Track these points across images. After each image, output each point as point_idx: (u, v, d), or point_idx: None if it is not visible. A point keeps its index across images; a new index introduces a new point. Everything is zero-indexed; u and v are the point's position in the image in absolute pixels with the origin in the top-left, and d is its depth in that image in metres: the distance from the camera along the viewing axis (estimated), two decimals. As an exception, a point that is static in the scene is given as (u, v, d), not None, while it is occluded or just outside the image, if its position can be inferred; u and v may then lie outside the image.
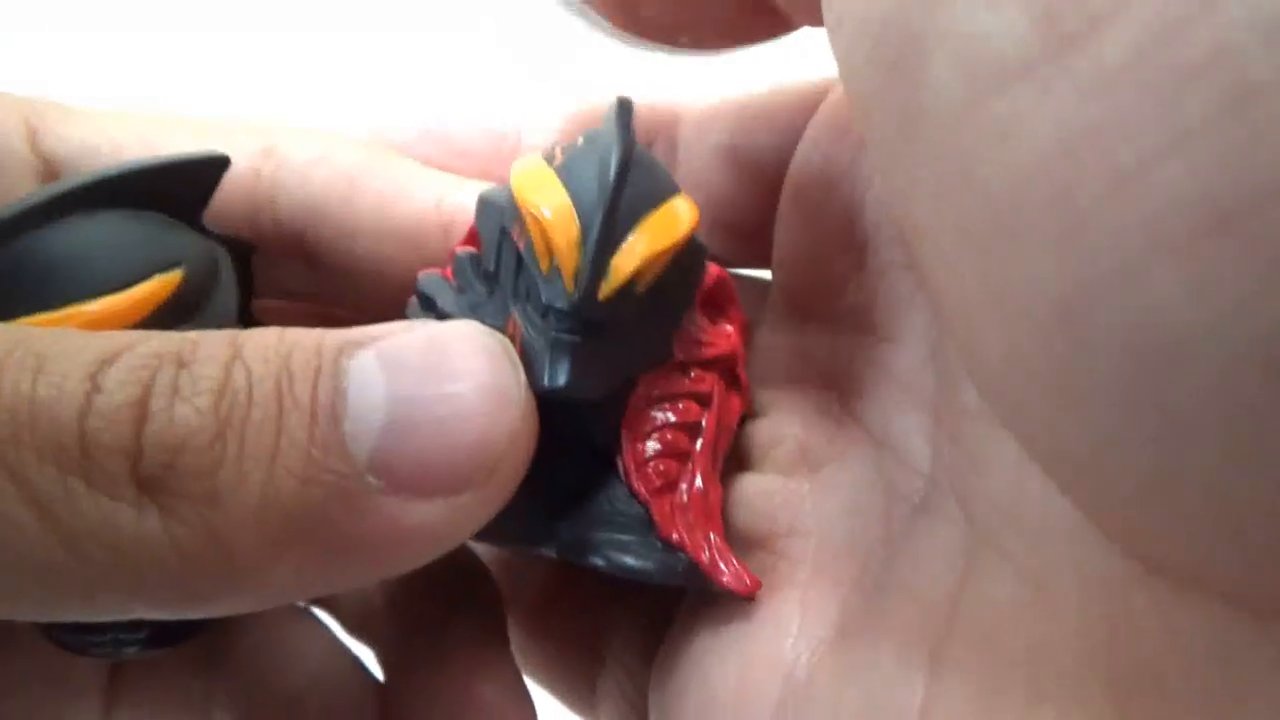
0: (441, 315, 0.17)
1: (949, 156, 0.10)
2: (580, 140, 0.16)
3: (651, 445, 0.17)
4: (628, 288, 0.15)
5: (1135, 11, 0.08)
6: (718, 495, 0.17)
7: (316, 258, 0.20)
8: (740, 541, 0.18)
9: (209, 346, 0.13)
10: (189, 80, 0.48)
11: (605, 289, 0.15)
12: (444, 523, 0.14)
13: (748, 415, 0.19)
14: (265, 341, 0.13)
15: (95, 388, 0.12)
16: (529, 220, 0.15)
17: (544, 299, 0.15)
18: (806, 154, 0.18)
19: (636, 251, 0.15)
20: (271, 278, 0.20)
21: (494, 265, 0.17)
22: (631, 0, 0.16)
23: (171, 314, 0.17)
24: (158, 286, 0.16)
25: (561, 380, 0.15)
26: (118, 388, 0.12)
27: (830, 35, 0.12)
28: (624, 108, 0.16)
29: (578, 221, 0.15)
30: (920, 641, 0.14)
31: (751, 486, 0.18)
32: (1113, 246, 0.08)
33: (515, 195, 0.16)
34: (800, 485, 0.18)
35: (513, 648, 0.20)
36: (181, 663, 0.19)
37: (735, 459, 0.19)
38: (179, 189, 0.18)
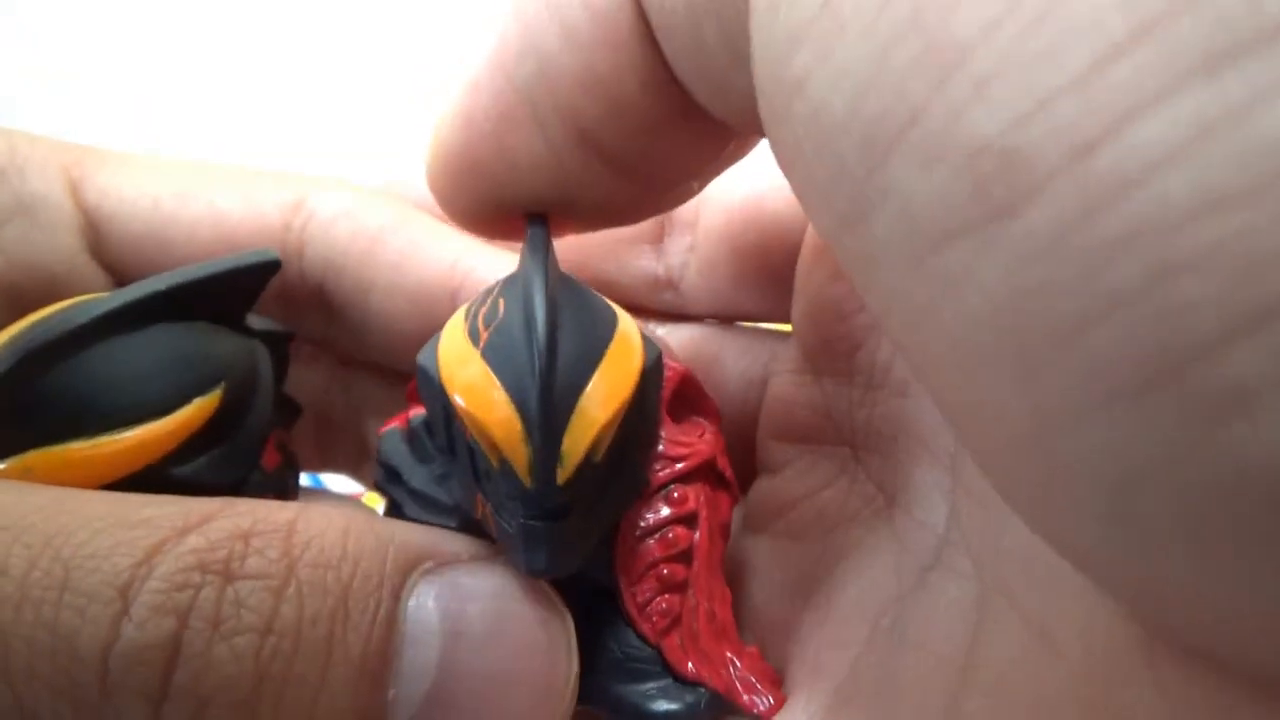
0: (411, 491, 0.17)
1: (906, 300, 0.10)
2: (500, 301, 0.15)
3: (648, 586, 0.16)
4: (586, 462, 0.14)
5: (1056, 189, 0.08)
6: (726, 604, 0.17)
7: (333, 310, 0.21)
8: (757, 619, 0.18)
9: (261, 558, 0.12)
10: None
11: (562, 475, 0.14)
12: None
13: (759, 471, 0.19)
14: (327, 556, 0.12)
15: (125, 611, 0.11)
16: (465, 420, 0.14)
17: (502, 491, 0.14)
18: None
19: (587, 423, 0.14)
20: (296, 326, 0.21)
21: (446, 441, 0.16)
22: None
23: (208, 436, 0.16)
24: (195, 412, 0.16)
25: (541, 566, 0.14)
26: (150, 616, 0.11)
27: (784, 174, 0.12)
28: (536, 247, 0.15)
29: (517, 414, 0.14)
30: (936, 694, 0.14)
31: (766, 558, 0.18)
32: (1067, 390, 0.09)
33: (445, 390, 0.14)
34: (813, 549, 0.18)
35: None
36: None
37: (751, 521, 0.19)
38: (226, 294, 0.17)
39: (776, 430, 0.19)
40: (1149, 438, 0.08)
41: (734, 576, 0.18)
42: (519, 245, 0.20)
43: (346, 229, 0.20)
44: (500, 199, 0.16)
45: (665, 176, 0.16)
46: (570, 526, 0.14)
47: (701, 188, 0.17)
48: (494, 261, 0.20)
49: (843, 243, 0.11)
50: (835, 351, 0.18)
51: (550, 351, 0.14)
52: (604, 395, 0.14)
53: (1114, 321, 0.08)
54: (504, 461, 0.14)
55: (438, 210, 0.22)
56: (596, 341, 0.15)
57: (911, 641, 0.15)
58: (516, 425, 0.14)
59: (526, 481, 0.14)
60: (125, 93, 0.51)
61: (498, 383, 0.14)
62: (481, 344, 0.14)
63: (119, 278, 0.20)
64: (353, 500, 0.25)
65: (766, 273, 0.20)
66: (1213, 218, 0.07)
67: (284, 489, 0.18)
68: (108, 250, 0.20)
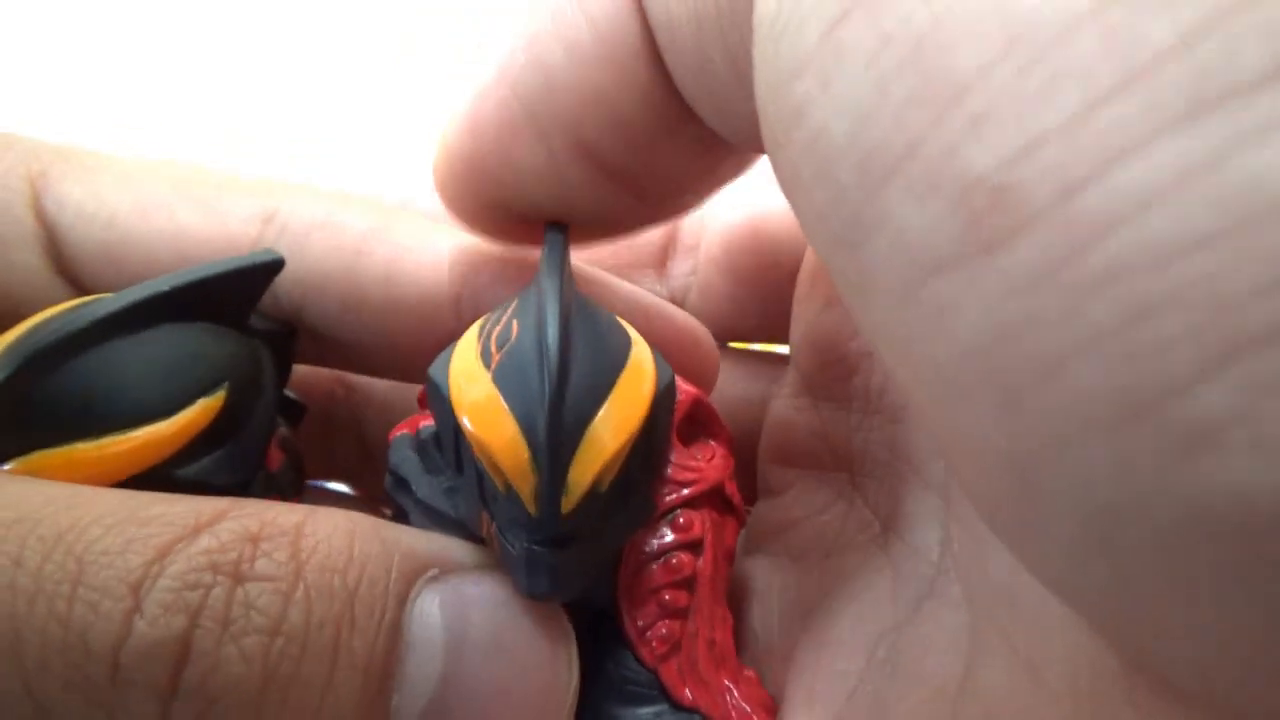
0: (418, 502, 0.16)
1: (897, 326, 0.10)
2: (513, 322, 0.15)
3: (649, 611, 0.16)
4: (592, 492, 0.14)
5: (1044, 226, 0.08)
6: (727, 629, 0.17)
7: (320, 334, 0.19)
8: (755, 641, 0.18)
9: (270, 561, 0.12)
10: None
11: (567, 504, 0.14)
12: None
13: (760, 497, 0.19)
14: (334, 560, 0.13)
15: (136, 607, 0.11)
16: (472, 443, 0.14)
17: (507, 515, 0.14)
18: None
19: (596, 453, 0.14)
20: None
21: (455, 457, 0.15)
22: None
23: (212, 437, 0.16)
24: (200, 413, 0.16)
25: (543, 591, 0.14)
26: (162, 614, 0.11)
27: (785, 197, 0.12)
28: (553, 263, 0.15)
29: (524, 441, 0.14)
30: None
31: (764, 580, 0.18)
32: (1046, 422, 0.09)
33: (454, 411, 0.14)
34: (811, 574, 0.18)
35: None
36: None
37: (752, 542, 0.19)
38: (228, 294, 0.17)
39: (776, 454, 0.19)
40: (1123, 471, 0.08)
41: (734, 597, 0.18)
42: (527, 250, 0.20)
43: (323, 242, 0.18)
44: (505, 205, 0.16)
45: (664, 190, 0.16)
46: (574, 554, 0.14)
47: (700, 202, 0.17)
48: (491, 261, 0.19)
49: (839, 266, 0.11)
50: (831, 376, 0.18)
51: (561, 380, 0.14)
52: (614, 424, 0.14)
53: (1094, 356, 0.08)
54: (509, 487, 0.14)
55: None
56: (609, 368, 0.15)
57: (906, 672, 0.15)
58: (524, 453, 0.14)
59: (531, 509, 0.14)
60: (117, 82, 0.48)
61: (507, 409, 0.14)
62: (493, 366, 0.14)
63: (85, 294, 0.18)
64: (356, 499, 0.24)
65: (766, 295, 0.20)
66: (1190, 257, 0.08)
67: (288, 489, 0.18)
68: (68, 266, 0.19)
